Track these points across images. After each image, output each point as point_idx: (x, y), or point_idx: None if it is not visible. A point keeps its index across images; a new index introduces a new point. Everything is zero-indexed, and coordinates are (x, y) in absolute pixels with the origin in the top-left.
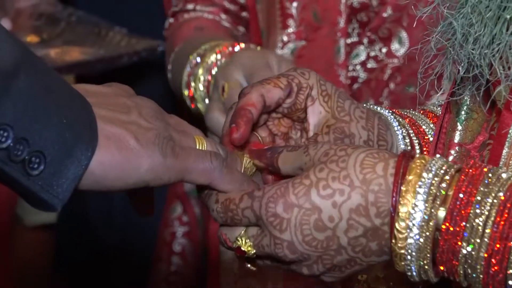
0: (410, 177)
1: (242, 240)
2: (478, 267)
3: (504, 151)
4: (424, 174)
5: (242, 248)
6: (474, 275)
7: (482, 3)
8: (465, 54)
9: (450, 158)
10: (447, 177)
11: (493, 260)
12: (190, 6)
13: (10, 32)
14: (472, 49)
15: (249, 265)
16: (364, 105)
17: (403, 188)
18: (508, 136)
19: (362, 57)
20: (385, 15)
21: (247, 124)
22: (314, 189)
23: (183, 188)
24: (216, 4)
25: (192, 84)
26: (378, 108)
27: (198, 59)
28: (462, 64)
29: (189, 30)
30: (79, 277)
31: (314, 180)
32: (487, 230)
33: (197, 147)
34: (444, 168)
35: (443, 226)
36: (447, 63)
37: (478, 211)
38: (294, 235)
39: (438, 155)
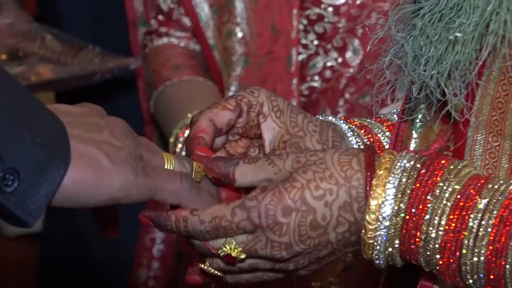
0: (380, 172)
1: (229, 247)
2: (436, 256)
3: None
4: (393, 169)
5: (232, 255)
6: (433, 261)
7: (429, 26)
8: (417, 75)
9: None
10: (413, 172)
11: (446, 251)
12: (163, 29)
13: None
14: (424, 70)
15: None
16: (319, 117)
17: (374, 182)
18: (465, 150)
19: (319, 67)
20: (339, 25)
21: (204, 147)
22: (307, 191)
23: None
24: (187, 30)
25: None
26: (333, 119)
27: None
28: (416, 85)
29: (168, 70)
30: (61, 281)
31: (304, 182)
32: (442, 222)
33: (166, 165)
34: (411, 163)
35: (406, 217)
36: (400, 80)
37: (435, 205)
38: (292, 237)
39: (404, 151)
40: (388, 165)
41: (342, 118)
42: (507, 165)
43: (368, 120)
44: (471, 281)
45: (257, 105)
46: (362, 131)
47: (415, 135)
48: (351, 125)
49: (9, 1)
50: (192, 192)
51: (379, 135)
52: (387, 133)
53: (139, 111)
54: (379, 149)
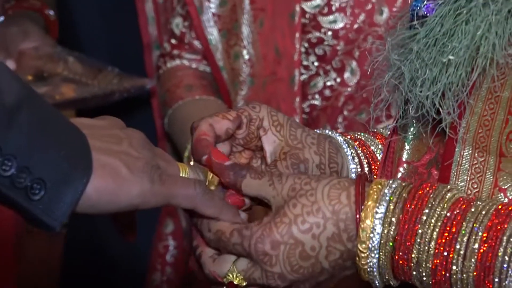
0: (369, 203)
1: (232, 275)
2: (429, 277)
3: (450, 183)
4: (380, 200)
5: (235, 282)
6: (426, 281)
7: (424, 50)
8: (414, 96)
9: (399, 175)
10: (400, 202)
11: (437, 273)
12: (175, 52)
13: (13, 72)
14: (420, 91)
15: None
16: (316, 130)
17: (362, 214)
18: (452, 165)
19: (320, 87)
20: (338, 48)
21: (210, 146)
22: (294, 225)
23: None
24: (198, 52)
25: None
26: (330, 132)
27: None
28: (412, 105)
29: (181, 90)
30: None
31: (292, 217)
32: (431, 247)
33: (181, 173)
34: (397, 192)
35: (396, 245)
36: (397, 99)
37: (423, 231)
38: (283, 267)
39: (392, 180)
40: (375, 196)
41: (338, 131)
42: (491, 179)
43: (361, 134)
44: None
45: (257, 119)
46: (356, 143)
47: (407, 147)
48: (346, 138)
49: (34, 27)
50: (205, 197)
51: (372, 147)
52: (379, 145)
53: (153, 128)
54: (372, 160)
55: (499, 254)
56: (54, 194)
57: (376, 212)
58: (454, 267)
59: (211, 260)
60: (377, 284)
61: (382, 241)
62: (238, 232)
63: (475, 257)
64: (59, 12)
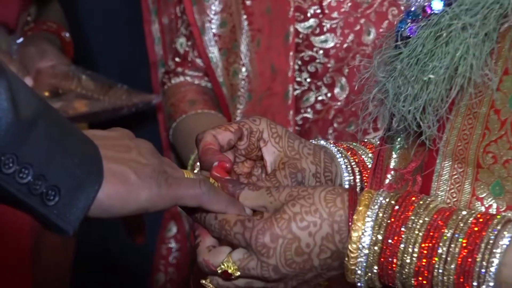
0: (360, 208)
1: (226, 265)
2: (411, 279)
3: (431, 191)
4: (371, 206)
5: (229, 271)
6: (409, 283)
7: (407, 69)
8: (397, 110)
9: (387, 181)
10: (388, 208)
11: (420, 275)
12: (179, 70)
13: (31, 88)
14: (403, 106)
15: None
16: (312, 141)
17: (355, 217)
18: (434, 176)
19: (311, 101)
20: (329, 65)
21: (217, 153)
22: (293, 222)
23: (177, 210)
24: (200, 70)
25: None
26: (325, 143)
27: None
28: (396, 119)
29: (185, 104)
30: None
31: (292, 215)
32: (415, 250)
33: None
34: (386, 200)
35: (383, 247)
36: (383, 112)
37: (408, 236)
38: (279, 260)
39: (381, 190)
40: (367, 202)
41: (332, 142)
42: (469, 189)
43: (354, 144)
44: None
45: (257, 131)
46: (349, 153)
47: (394, 156)
48: (339, 148)
49: (51, 47)
50: (210, 194)
51: (363, 156)
52: (370, 155)
53: (159, 140)
54: (363, 168)
55: (478, 259)
56: (68, 200)
57: (368, 216)
58: (436, 270)
59: (207, 250)
60: (362, 286)
61: (371, 243)
62: (241, 223)
63: (456, 261)
64: (73, 35)
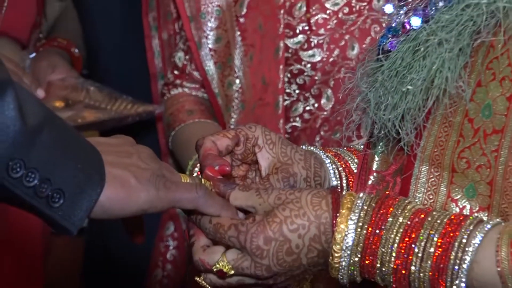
0: (343, 211)
1: (221, 264)
2: (390, 276)
3: (410, 193)
4: (353, 208)
5: (224, 270)
6: (388, 279)
7: (387, 80)
8: (378, 118)
9: (370, 182)
10: (369, 210)
11: (398, 272)
12: (178, 81)
13: (37, 98)
14: (383, 115)
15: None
16: (303, 147)
17: (338, 220)
18: (412, 179)
19: (300, 111)
20: (316, 78)
21: (217, 158)
22: (284, 225)
23: (175, 210)
24: (197, 82)
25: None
26: (314, 149)
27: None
28: (376, 126)
29: (183, 114)
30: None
31: (283, 218)
32: (394, 249)
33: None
34: (367, 202)
35: (365, 247)
36: (365, 120)
37: (387, 236)
38: (271, 260)
39: (362, 193)
40: (349, 205)
41: (321, 148)
42: (445, 191)
43: (341, 150)
44: None
45: (253, 138)
46: (336, 159)
47: (377, 159)
48: (328, 154)
49: (61, 61)
50: (205, 198)
51: (349, 162)
52: (355, 160)
53: (158, 147)
54: (349, 173)
55: (451, 257)
56: (71, 202)
57: (350, 219)
58: (412, 267)
59: (202, 249)
60: (344, 281)
61: (353, 244)
62: (235, 227)
63: (431, 259)
64: (87, 49)
